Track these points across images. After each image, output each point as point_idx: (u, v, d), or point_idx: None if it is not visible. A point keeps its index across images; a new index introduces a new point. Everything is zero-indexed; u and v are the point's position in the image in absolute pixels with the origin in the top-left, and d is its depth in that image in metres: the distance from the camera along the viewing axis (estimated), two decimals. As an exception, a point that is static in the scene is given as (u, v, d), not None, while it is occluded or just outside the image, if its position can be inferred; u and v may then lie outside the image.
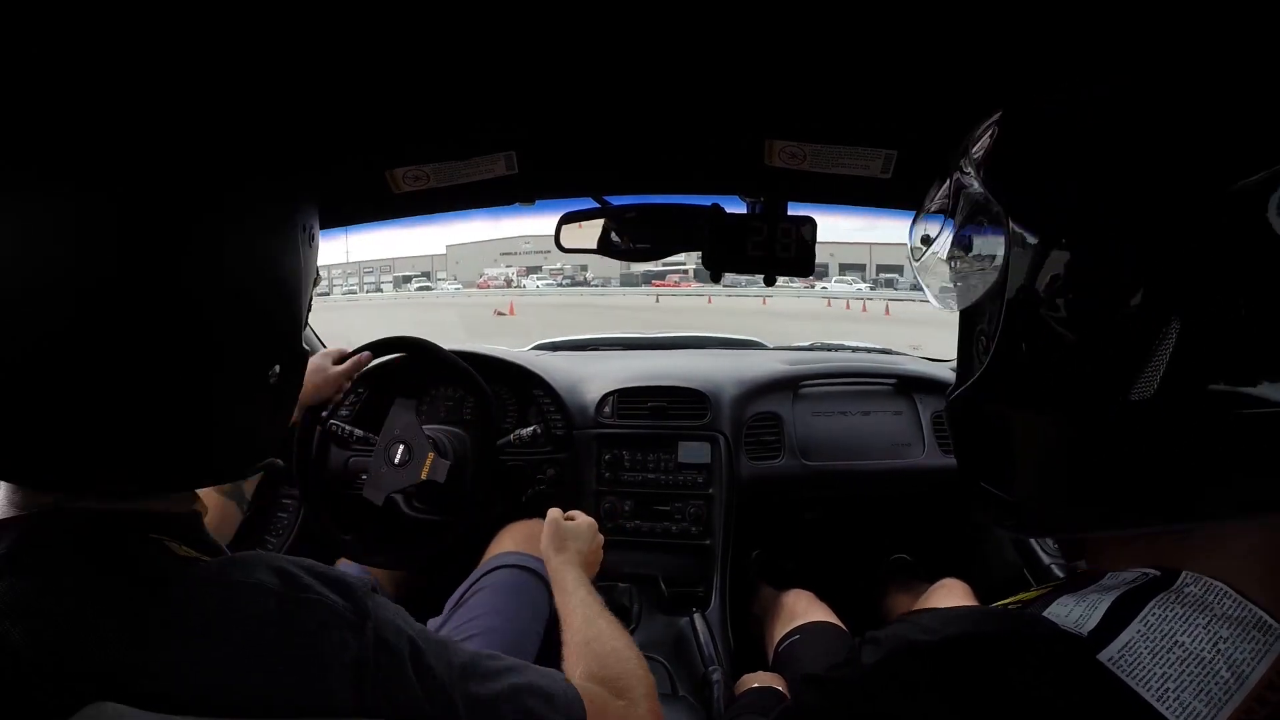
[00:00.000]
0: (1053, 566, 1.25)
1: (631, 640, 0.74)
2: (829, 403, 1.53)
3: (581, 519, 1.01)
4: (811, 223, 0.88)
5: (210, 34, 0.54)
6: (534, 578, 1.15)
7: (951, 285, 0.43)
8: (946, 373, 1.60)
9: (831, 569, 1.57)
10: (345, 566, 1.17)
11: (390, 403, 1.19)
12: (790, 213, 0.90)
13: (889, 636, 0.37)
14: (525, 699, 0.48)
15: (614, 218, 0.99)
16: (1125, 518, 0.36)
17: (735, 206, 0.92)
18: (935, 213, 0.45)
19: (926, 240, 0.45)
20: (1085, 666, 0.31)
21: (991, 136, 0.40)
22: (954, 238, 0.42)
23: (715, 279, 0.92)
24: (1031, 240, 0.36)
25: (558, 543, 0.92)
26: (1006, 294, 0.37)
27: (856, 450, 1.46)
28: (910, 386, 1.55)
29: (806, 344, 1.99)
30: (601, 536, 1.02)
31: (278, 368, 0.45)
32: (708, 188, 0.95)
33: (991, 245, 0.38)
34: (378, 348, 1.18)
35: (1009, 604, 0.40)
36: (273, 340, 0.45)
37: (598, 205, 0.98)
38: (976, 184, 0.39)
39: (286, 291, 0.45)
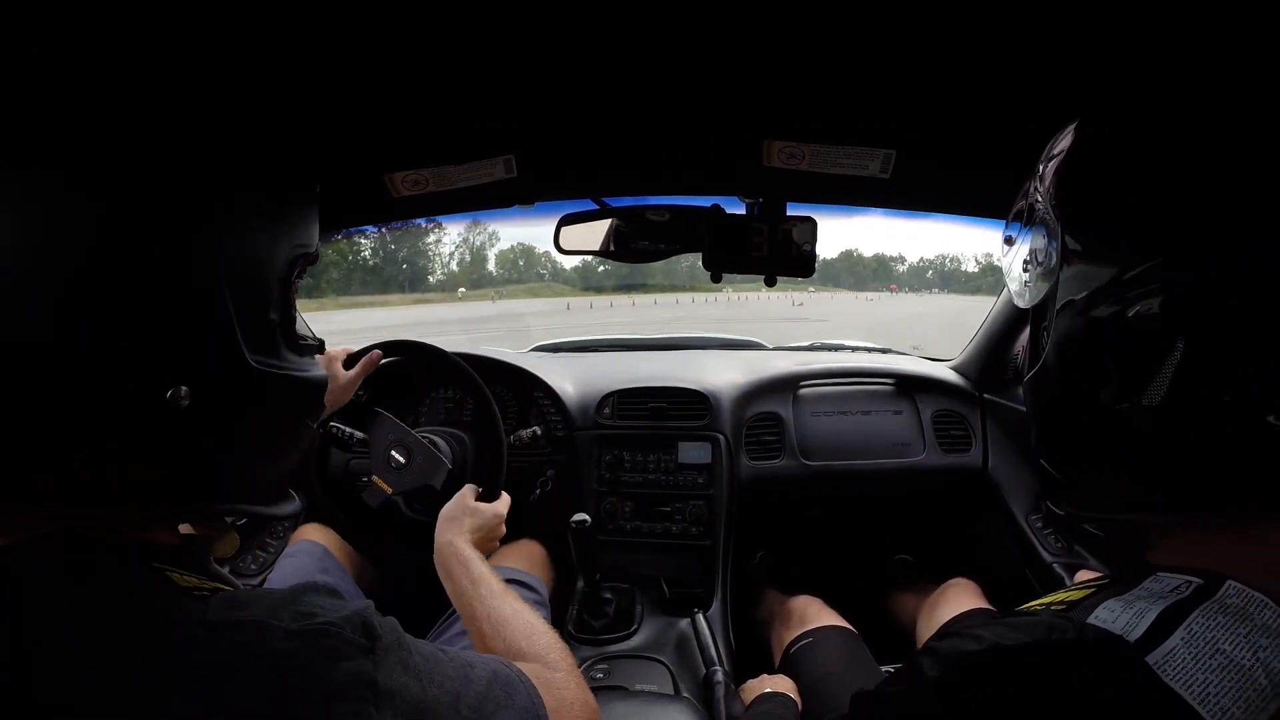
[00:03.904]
0: (1054, 565, 1.24)
1: (537, 614, 0.74)
2: (829, 403, 1.53)
3: (490, 506, 0.99)
4: (812, 223, 0.88)
5: (207, 40, 0.54)
6: (535, 595, 1.16)
7: (1021, 285, 0.48)
8: (946, 372, 1.60)
9: (834, 570, 1.57)
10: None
11: (389, 405, 1.18)
12: (790, 213, 0.90)
13: (947, 649, 0.39)
14: (496, 691, 0.49)
15: (613, 219, 0.99)
16: (1152, 504, 0.38)
17: (734, 207, 0.92)
18: (1016, 218, 0.49)
19: (1010, 241, 0.50)
20: (1134, 670, 0.33)
21: (1057, 155, 0.43)
22: (1027, 243, 0.46)
23: (715, 279, 0.91)
24: (1072, 251, 0.40)
25: (455, 523, 0.91)
26: (1055, 299, 0.41)
27: (857, 450, 1.46)
28: (910, 386, 1.55)
29: (806, 344, 1.99)
30: (500, 524, 0.99)
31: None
32: (706, 188, 0.95)
33: (1048, 253, 0.42)
34: (387, 348, 1.14)
35: (1052, 603, 0.41)
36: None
37: (597, 207, 0.98)
38: (1040, 198, 0.43)
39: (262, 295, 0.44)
